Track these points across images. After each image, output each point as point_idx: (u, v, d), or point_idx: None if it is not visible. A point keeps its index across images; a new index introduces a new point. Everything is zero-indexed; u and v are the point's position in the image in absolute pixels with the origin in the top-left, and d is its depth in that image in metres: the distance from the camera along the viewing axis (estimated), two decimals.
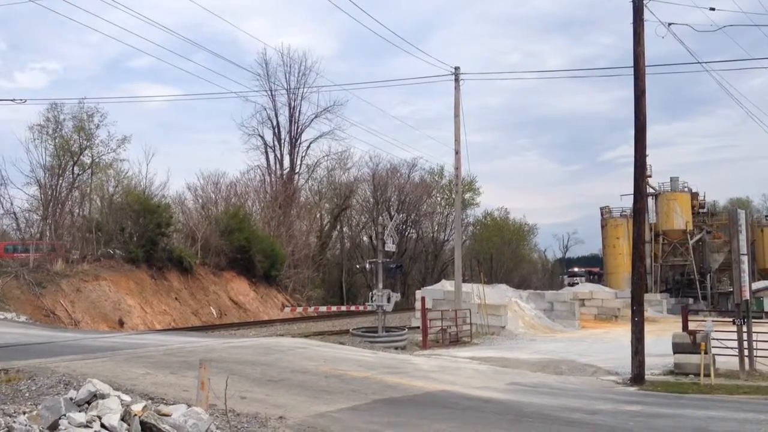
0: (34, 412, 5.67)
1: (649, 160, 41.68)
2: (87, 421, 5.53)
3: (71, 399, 6.02)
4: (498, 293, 33.36)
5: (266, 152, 55.58)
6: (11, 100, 29.67)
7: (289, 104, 55.38)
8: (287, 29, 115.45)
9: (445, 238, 66.33)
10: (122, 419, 5.71)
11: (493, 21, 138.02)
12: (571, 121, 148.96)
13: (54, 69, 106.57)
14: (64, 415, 5.53)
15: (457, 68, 27.57)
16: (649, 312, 33.46)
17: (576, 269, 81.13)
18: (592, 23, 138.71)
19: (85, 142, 34.59)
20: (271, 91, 54.48)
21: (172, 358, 13.09)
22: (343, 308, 33.96)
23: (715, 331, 15.93)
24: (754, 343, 16.11)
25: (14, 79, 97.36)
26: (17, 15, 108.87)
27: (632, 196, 16.28)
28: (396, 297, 22.91)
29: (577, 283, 62.56)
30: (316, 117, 55.26)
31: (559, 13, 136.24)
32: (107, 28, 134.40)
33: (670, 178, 60.01)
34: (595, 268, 78.60)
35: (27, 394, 8.24)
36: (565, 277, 79.08)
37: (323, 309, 30.90)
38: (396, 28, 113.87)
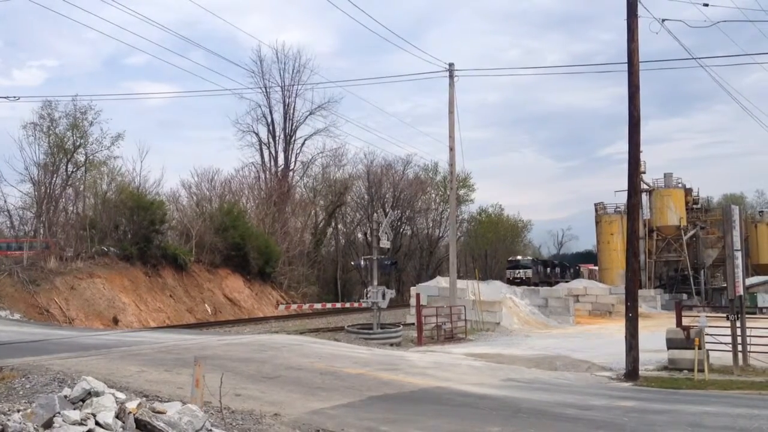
0: (29, 410, 5.66)
1: (643, 156, 41.85)
2: (81, 419, 5.52)
3: (66, 397, 6.00)
4: (493, 289, 33.44)
5: (261, 149, 55.68)
6: (5, 98, 29.57)
7: (284, 101, 55.46)
8: (285, 26, 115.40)
9: (440, 235, 66.43)
10: (117, 417, 5.70)
11: (491, 17, 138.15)
12: (568, 118, 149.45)
13: (51, 66, 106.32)
14: (59, 412, 5.52)
15: (451, 65, 27.55)
16: (643, 308, 33.60)
17: (519, 258, 60.54)
18: (591, 19, 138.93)
19: (79, 140, 34.49)
20: (265, 88, 54.57)
21: (167, 355, 13.08)
22: (338, 305, 33.86)
23: (709, 326, 15.98)
24: (748, 338, 16.18)
25: (12, 76, 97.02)
26: (15, 13, 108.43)
27: (626, 192, 16.35)
28: (391, 294, 22.91)
29: (520, 277, 52.92)
30: (310, 114, 55.39)
31: (557, 9, 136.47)
32: (104, 26, 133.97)
33: (664, 174, 60.40)
34: (591, 264, 75.26)
35: (21, 392, 8.23)
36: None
37: (318, 306, 30.81)
38: (394, 25, 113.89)
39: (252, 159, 55.52)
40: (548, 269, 61.01)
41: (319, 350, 15.80)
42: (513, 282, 49.99)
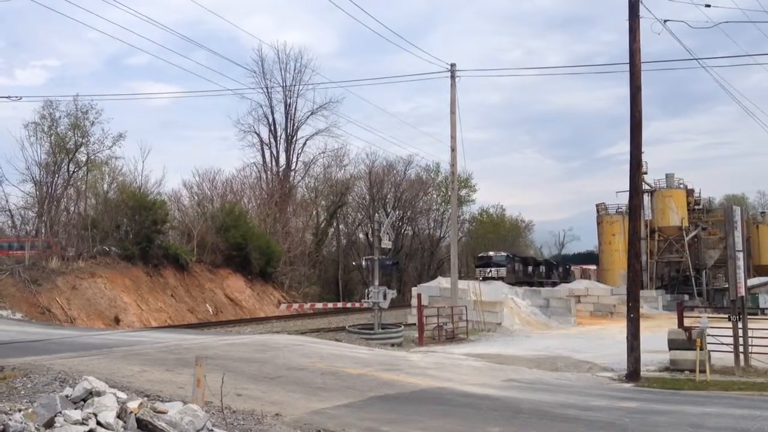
0: (30, 410, 5.66)
1: (645, 157, 41.67)
2: (83, 419, 5.52)
3: (67, 396, 6.00)
4: (494, 290, 33.45)
5: (262, 149, 55.67)
6: (6, 98, 29.63)
7: (285, 101, 55.42)
8: (287, 26, 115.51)
9: (441, 235, 66.37)
10: (118, 416, 5.70)
11: (493, 18, 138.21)
12: (570, 118, 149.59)
13: (54, 66, 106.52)
14: (60, 412, 5.51)
15: (452, 65, 27.55)
16: (644, 308, 33.58)
17: (492, 254, 50.42)
18: (592, 20, 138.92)
19: (80, 140, 34.51)
20: (267, 88, 54.51)
21: (168, 355, 13.08)
22: (339, 305, 33.91)
23: (711, 327, 15.97)
24: (749, 339, 16.17)
25: (15, 76, 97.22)
26: (18, 13, 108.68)
27: (628, 192, 16.34)
28: (392, 294, 22.93)
29: (491, 277, 45.62)
30: (312, 114, 55.35)
31: (559, 10, 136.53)
32: (106, 26, 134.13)
33: (666, 174, 60.29)
34: (587, 264, 74.05)
35: (23, 392, 8.23)
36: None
37: (319, 306, 30.84)
38: (396, 25, 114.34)
39: (253, 159, 55.58)
40: (529, 268, 53.49)
41: (320, 350, 15.79)
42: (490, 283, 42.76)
